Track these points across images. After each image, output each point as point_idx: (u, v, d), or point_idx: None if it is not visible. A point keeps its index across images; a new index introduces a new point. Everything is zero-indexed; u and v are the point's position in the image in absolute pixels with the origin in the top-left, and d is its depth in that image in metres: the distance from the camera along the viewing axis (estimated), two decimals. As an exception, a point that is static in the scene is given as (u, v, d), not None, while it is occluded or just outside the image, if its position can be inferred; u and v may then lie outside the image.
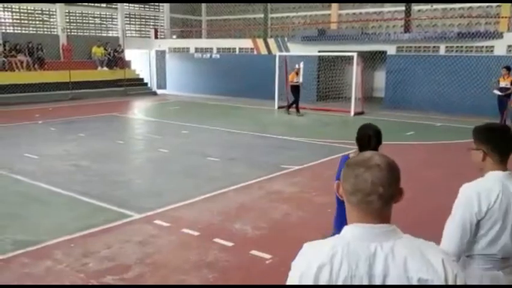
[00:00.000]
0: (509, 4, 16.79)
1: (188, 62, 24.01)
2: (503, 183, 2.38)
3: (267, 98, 18.79)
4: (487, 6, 17.49)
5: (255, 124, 14.33)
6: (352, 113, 16.39)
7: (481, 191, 2.37)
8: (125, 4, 24.35)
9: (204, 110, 17.88)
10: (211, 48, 23.41)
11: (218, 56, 23.12)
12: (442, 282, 1.39)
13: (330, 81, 20.53)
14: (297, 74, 16.21)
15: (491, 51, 15.98)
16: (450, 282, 1.40)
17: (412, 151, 10.62)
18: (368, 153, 1.53)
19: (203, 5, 26.70)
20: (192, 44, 24.36)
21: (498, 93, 13.22)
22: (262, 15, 23.70)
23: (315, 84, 19.92)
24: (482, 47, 16.18)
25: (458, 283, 1.41)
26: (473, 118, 14.51)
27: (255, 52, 21.92)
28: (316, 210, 6.36)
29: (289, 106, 16.57)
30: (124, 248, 5.18)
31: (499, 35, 15.92)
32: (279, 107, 17.93)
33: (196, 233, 5.61)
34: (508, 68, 13.27)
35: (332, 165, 7.15)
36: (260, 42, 21.78)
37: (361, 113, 16.52)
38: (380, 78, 20.47)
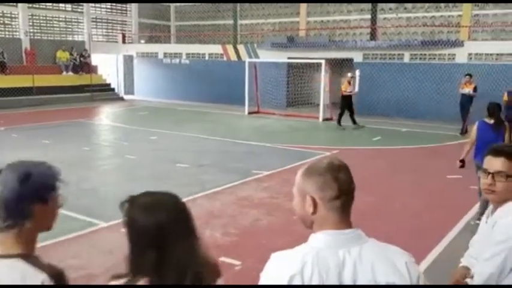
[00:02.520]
0: (470, 13, 17.38)
1: (157, 67, 23.79)
2: None
3: (237, 104, 18.80)
4: (449, 16, 18.06)
5: (225, 130, 14.30)
6: (321, 119, 16.59)
7: None
8: (91, 8, 23.94)
9: (174, 115, 17.73)
10: (181, 54, 23.26)
11: (187, 61, 23.00)
12: (406, 283, 1.44)
13: (299, 87, 20.72)
14: (350, 83, 14.86)
15: (453, 59, 16.49)
16: (414, 283, 1.45)
17: (379, 156, 10.82)
18: (325, 159, 1.56)
19: (172, 10, 26.55)
20: (160, 49, 24.16)
21: (465, 92, 13.58)
22: (231, 22, 23.75)
23: (285, 90, 20.08)
24: (445, 54, 16.68)
25: (421, 283, 1.47)
26: (437, 123, 14.96)
27: (225, 58, 21.91)
28: (285, 215, 6.39)
29: (339, 120, 15.00)
30: (92, 257, 5.06)
31: (460, 44, 16.46)
32: (249, 113, 17.99)
33: (165, 241, 5.53)
34: (470, 75, 13.72)
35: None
36: (230, 48, 21.79)
37: (330, 119, 16.73)
38: (347, 84, 20.79)
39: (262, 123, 16.14)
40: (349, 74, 15.03)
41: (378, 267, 1.43)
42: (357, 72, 15.09)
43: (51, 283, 1.50)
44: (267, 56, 19.88)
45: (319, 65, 17.26)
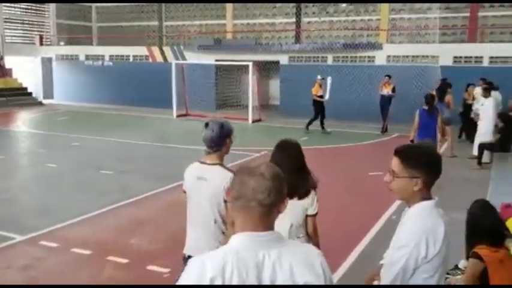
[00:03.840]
0: (387, 17, 18.31)
1: (78, 70, 22.77)
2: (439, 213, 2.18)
3: (164, 107, 18.46)
4: (368, 20, 18.92)
5: (153, 134, 13.98)
6: (250, 121, 16.73)
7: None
8: (3, 7, 22.44)
9: (97, 120, 17.08)
10: (103, 56, 22.47)
11: (111, 63, 22.26)
12: (322, 283, 1.53)
13: (227, 89, 20.75)
14: (321, 86, 14.28)
15: (373, 61, 17.30)
16: (328, 283, 1.55)
17: (306, 155, 11.05)
18: (256, 163, 1.62)
19: (93, 11, 25.57)
20: (81, 51, 23.16)
21: (385, 93, 14.28)
22: (156, 23, 23.31)
23: (214, 92, 20.03)
24: (365, 57, 17.45)
25: (331, 283, 1.58)
26: (360, 123, 15.58)
27: (151, 60, 21.47)
28: (214, 219, 6.35)
29: (308, 124, 14.36)
30: (5, 274, 4.73)
31: (379, 46, 17.30)
32: (178, 115, 17.75)
33: (87, 252, 5.30)
34: (389, 76, 14.45)
35: (229, 173, 7.18)
36: (155, 50, 21.39)
37: (259, 120, 16.93)
38: (275, 86, 21.15)
39: (191, 126, 15.95)
40: (319, 76, 14.48)
41: (296, 269, 1.50)
42: (329, 80, 14.33)
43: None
44: (194, 58, 19.73)
45: (246, 67, 17.39)
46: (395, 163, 2.16)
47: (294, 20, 19.78)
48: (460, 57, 15.98)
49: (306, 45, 18.85)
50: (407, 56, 16.60)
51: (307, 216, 3.19)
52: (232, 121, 14.98)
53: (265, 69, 19.89)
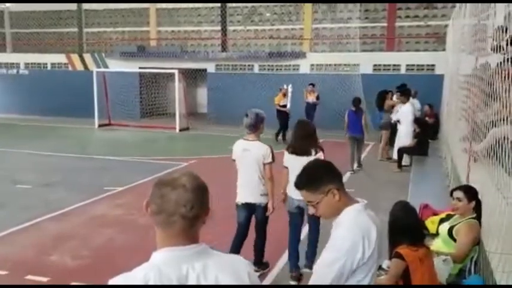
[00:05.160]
0: (310, 27, 18.92)
1: (-11, 78, 21.30)
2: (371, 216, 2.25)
3: (86, 117, 17.76)
4: (292, 29, 19.43)
5: (74, 145, 13.38)
6: (178, 129, 16.52)
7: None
8: None
9: (12, 131, 16.05)
10: (18, 64, 21.22)
11: (26, 71, 21.08)
12: None
13: (153, 97, 20.38)
14: (285, 95, 14.07)
15: (297, 69, 17.79)
16: None
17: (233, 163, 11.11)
18: (177, 174, 1.55)
19: (6, 17, 24.04)
20: (-7, 58, 21.71)
21: (310, 101, 14.69)
22: (76, 30, 22.38)
23: (138, 101, 19.59)
24: (290, 65, 17.91)
25: None
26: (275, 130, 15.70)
27: (70, 68, 20.62)
28: (141, 232, 6.18)
29: (277, 134, 13.85)
30: None
31: (303, 55, 17.83)
32: (100, 125, 17.14)
33: (4, 272, 4.95)
34: (313, 85, 14.89)
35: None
36: (75, 57, 20.57)
37: (187, 129, 16.76)
38: (203, 94, 21.07)
39: (115, 136, 15.49)
40: (284, 86, 14.23)
41: (222, 280, 1.48)
42: (289, 88, 14.16)
43: (270, 148, 4.80)
44: (116, 65, 19.18)
45: (173, 75, 17.20)
46: (305, 195, 2.25)
47: (219, 28, 19.86)
48: (380, 65, 16.88)
49: (232, 53, 19.00)
50: (329, 65, 17.21)
51: None
52: (159, 130, 14.78)
53: (192, 77, 19.76)
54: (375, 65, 16.86)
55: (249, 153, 4.74)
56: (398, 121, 10.66)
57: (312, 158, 4.43)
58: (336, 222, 2.23)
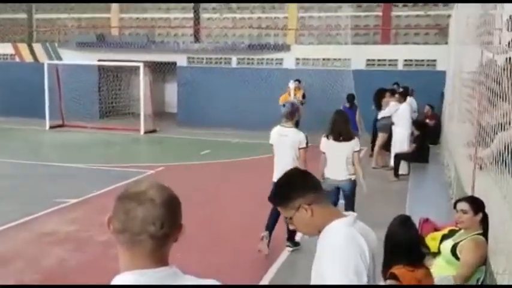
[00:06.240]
0: (296, 16, 19.02)
1: None
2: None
3: (35, 117, 17.51)
4: (275, 18, 19.49)
5: (20, 149, 13.23)
6: (142, 131, 16.40)
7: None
8: None
9: None
10: (-45, 54, 20.84)
11: (-35, 63, 20.71)
12: None
13: (114, 95, 20.25)
14: (290, 94, 14.12)
15: (281, 63, 17.84)
16: None
17: (207, 171, 11.09)
18: (144, 185, 1.51)
19: None
20: None
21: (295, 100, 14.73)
22: (25, 16, 22.08)
23: (97, 99, 19.40)
24: (272, 59, 17.94)
25: None
26: (266, 132, 15.84)
27: (17, 59, 20.36)
28: (98, 250, 6.10)
29: None
30: None
31: (287, 48, 17.89)
32: (52, 127, 16.91)
33: None
34: (298, 81, 14.89)
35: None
36: (23, 47, 20.33)
37: (153, 131, 16.66)
38: (172, 91, 20.96)
39: (69, 139, 15.30)
40: (291, 82, 14.29)
41: None
42: (291, 84, 14.31)
43: (305, 135, 6.34)
44: (71, 57, 18.99)
45: (137, 68, 17.07)
46: (280, 210, 2.34)
47: (191, 15, 19.82)
48: (373, 59, 17.02)
49: (206, 44, 18.97)
50: (317, 59, 17.27)
51: (354, 152, 6.35)
52: (120, 132, 14.63)
53: (160, 71, 19.66)
54: (368, 60, 17.01)
55: (286, 139, 6.21)
56: (393, 123, 10.75)
57: (353, 143, 6.32)
58: (319, 242, 2.20)
